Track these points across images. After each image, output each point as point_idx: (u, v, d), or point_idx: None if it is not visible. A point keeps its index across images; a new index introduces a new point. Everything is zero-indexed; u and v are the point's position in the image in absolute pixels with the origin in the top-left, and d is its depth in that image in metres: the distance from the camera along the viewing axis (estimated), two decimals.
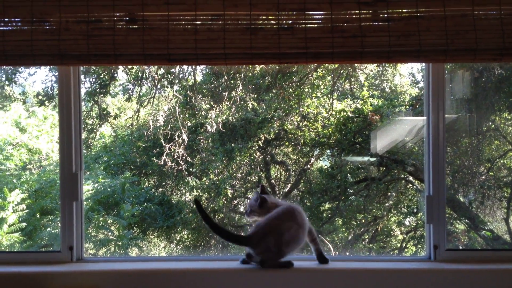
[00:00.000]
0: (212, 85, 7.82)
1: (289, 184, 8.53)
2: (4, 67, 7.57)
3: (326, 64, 7.34)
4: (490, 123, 7.12)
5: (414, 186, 7.96)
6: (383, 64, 7.54)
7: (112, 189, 8.00)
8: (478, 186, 7.08)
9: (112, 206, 8.15)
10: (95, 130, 8.60)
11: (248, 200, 2.95)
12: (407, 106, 7.79)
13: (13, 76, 7.88)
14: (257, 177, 8.58)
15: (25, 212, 7.07)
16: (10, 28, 2.77)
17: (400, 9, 2.73)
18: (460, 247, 6.87)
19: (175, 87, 7.88)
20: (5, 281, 2.84)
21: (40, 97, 8.01)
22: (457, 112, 6.81)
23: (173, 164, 7.68)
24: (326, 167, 8.37)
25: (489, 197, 7.00)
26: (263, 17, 2.77)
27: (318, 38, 2.73)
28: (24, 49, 2.75)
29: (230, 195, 8.28)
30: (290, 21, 2.75)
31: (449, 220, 7.12)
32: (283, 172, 8.75)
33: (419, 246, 7.87)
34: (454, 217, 7.26)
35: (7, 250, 6.63)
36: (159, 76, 7.71)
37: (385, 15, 2.73)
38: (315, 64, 7.24)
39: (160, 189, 8.85)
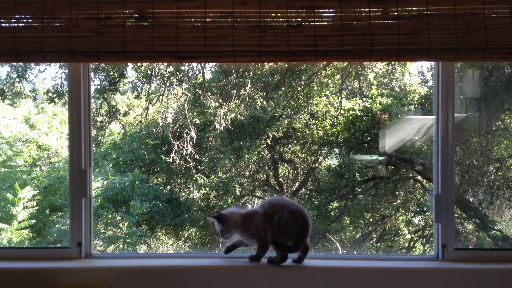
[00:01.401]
0: (221, 83, 7.83)
1: (297, 183, 8.53)
2: (15, 64, 7.61)
3: (335, 62, 7.33)
4: (500, 122, 7.08)
5: (423, 185, 7.93)
6: (393, 62, 7.52)
7: (121, 187, 8.02)
8: (487, 186, 7.05)
9: (121, 203, 8.18)
10: (104, 127, 8.64)
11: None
12: (416, 105, 7.77)
13: (24, 73, 7.92)
14: (265, 175, 8.59)
15: (35, 208, 7.10)
16: (21, 24, 2.78)
17: (410, 7, 2.72)
18: (470, 247, 6.84)
19: (184, 85, 7.90)
20: (14, 276, 2.86)
21: (50, 94, 8.05)
22: (467, 111, 6.77)
23: (181, 161, 7.70)
24: (334, 165, 8.36)
25: (497, 197, 6.97)
26: (273, 14, 2.76)
27: (327, 36, 2.73)
28: (34, 46, 2.76)
29: (238, 193, 8.28)
30: (300, 19, 2.75)
31: (458, 220, 7.09)
32: (291, 171, 8.75)
33: (427, 245, 7.84)
34: (463, 217, 7.23)
35: (16, 246, 6.66)
36: (168, 74, 7.72)
37: (395, 13, 2.72)
38: (324, 62, 7.23)
39: (169, 187, 8.88)
